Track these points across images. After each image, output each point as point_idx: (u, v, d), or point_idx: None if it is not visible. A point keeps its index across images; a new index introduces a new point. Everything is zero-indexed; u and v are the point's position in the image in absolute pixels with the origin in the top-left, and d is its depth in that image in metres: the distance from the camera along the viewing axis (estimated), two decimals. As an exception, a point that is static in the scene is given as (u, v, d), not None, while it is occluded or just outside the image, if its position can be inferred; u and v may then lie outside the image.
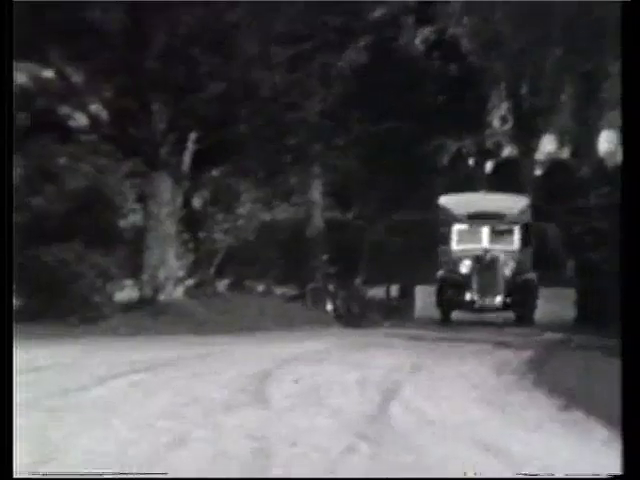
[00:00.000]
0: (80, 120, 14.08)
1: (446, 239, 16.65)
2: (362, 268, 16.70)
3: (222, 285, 14.77)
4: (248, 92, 13.47)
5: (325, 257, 16.21)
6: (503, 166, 23.00)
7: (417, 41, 19.22)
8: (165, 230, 13.47)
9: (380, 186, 17.43)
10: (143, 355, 9.78)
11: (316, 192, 16.61)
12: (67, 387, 7.88)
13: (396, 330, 13.54)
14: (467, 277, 16.02)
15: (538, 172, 23.43)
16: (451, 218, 16.82)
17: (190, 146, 13.93)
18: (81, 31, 13.19)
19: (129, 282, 13.21)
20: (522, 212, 17.02)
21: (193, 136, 13.90)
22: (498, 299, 16.06)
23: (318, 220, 16.53)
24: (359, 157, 13.95)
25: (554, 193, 21.06)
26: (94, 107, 13.76)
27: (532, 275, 16.44)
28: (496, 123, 22.28)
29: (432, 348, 10.94)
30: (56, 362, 9.21)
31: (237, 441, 6.20)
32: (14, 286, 11.84)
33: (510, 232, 16.67)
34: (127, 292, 13.19)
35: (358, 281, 16.20)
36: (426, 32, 19.41)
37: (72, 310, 11.85)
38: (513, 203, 17.40)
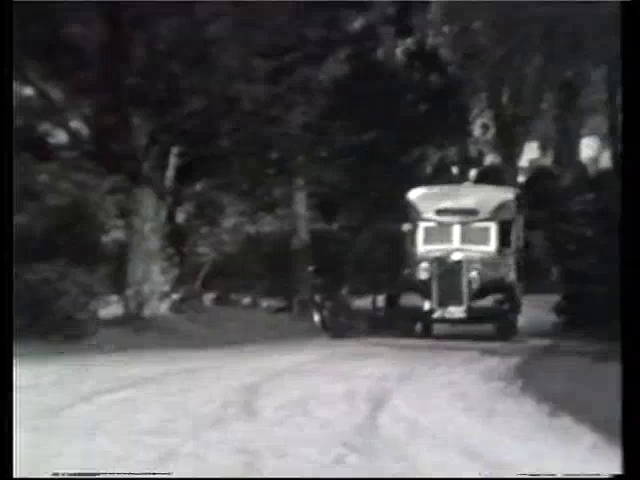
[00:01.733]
0: (60, 137, 14.02)
1: (412, 239, 14.38)
2: (348, 279, 16.56)
3: (208, 299, 14.71)
4: (229, 106, 13.48)
5: (311, 268, 16.14)
6: (486, 174, 23.11)
7: (397, 51, 19.31)
8: (149, 245, 13.42)
9: (364, 196, 17.45)
10: (129, 371, 9.70)
11: (300, 204, 16.62)
12: (51, 406, 7.79)
13: (383, 340, 13.51)
14: (426, 283, 13.76)
15: (521, 179, 23.55)
16: (417, 215, 14.48)
17: (172, 161, 13.90)
18: (60, 48, 13.16)
19: (114, 298, 13.13)
20: (500, 207, 14.51)
21: (175, 151, 13.88)
22: (461, 309, 13.66)
23: (303, 232, 16.53)
24: (342, 168, 13.99)
25: (537, 200, 21.17)
26: (74, 124, 13.71)
27: (511, 280, 14.19)
28: (478, 132, 22.41)
29: (419, 357, 10.92)
30: (40, 381, 9.12)
31: (226, 455, 6.15)
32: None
33: (485, 230, 14.19)
34: (112, 308, 13.10)
35: (344, 292, 16.18)
36: (406, 42, 19.52)
37: (56, 328, 11.75)
38: (491, 197, 14.96)
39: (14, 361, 7.23)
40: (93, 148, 13.71)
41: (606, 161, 23.90)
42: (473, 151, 22.71)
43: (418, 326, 14.03)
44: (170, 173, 13.89)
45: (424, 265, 13.82)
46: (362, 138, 16.28)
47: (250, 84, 13.42)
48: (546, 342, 12.78)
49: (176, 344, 12.13)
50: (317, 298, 15.32)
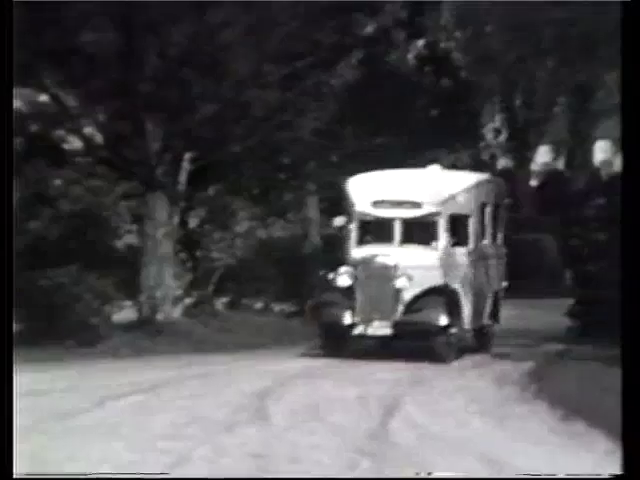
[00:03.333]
0: (75, 143, 14.13)
1: (346, 238, 11.59)
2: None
3: (220, 303, 14.75)
4: (242, 111, 13.53)
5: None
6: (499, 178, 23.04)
7: (409, 56, 19.33)
8: (162, 250, 13.48)
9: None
10: (142, 376, 9.76)
11: (312, 208, 16.64)
12: (66, 410, 7.85)
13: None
14: (347, 291, 11.06)
15: (534, 183, 23.50)
16: (350, 207, 11.61)
17: (185, 166, 13.97)
18: (74, 55, 13.26)
19: (127, 303, 13.20)
20: (452, 198, 11.48)
21: (188, 156, 13.95)
22: (387, 325, 10.88)
23: (315, 236, 16.56)
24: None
25: (550, 204, 21.11)
26: (88, 130, 13.81)
27: (459, 287, 11.21)
28: (490, 135, 22.38)
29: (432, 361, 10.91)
30: (55, 386, 9.19)
31: (239, 460, 6.18)
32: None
33: (432, 226, 11.25)
34: (125, 313, 13.17)
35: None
36: (418, 46, 19.54)
37: (70, 333, 11.83)
38: (442, 185, 11.72)
39: (29, 367, 7.30)
40: (107, 154, 13.81)
41: (620, 164, 23.74)
42: (485, 155, 22.69)
43: (331, 343, 11.22)
44: (183, 178, 13.96)
45: (344, 269, 11.12)
46: (374, 142, 16.30)
47: (262, 90, 13.48)
48: (559, 347, 12.74)
49: (189, 348, 12.19)
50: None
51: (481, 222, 12.00)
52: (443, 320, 10.95)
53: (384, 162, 13.49)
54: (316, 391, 8.97)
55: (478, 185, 12.25)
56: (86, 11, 12.89)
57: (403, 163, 13.06)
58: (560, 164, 24.76)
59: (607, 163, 24.46)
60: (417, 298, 11.04)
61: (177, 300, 13.69)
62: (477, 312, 11.77)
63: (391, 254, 11.16)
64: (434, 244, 11.37)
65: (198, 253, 14.30)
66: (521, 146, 22.22)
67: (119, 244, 13.17)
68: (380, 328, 11.00)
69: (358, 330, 11.05)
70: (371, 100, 17.18)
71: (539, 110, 21.93)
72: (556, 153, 24.91)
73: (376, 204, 11.51)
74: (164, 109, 13.37)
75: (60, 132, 14.16)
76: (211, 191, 14.47)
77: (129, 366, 10.74)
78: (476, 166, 21.16)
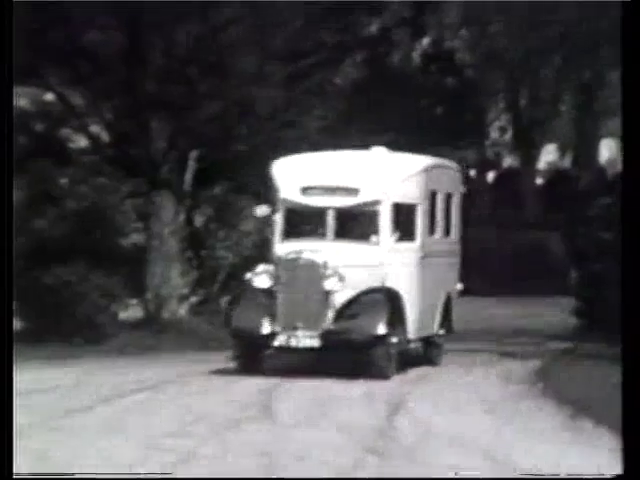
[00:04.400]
0: (80, 142, 14.15)
1: (271, 231, 9.96)
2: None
3: (226, 302, 14.76)
4: (246, 110, 13.54)
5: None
6: (504, 177, 23.05)
7: (414, 54, 19.32)
8: (168, 248, 13.50)
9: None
10: (148, 373, 9.77)
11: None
12: (72, 407, 7.87)
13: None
14: (267, 295, 9.35)
15: (539, 181, 23.47)
16: (276, 194, 9.85)
17: (191, 164, 13.99)
18: (80, 53, 13.30)
19: (133, 301, 13.21)
20: (396, 184, 9.73)
21: (194, 154, 13.97)
22: (313, 334, 9.11)
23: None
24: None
25: (556, 202, 21.08)
26: (94, 128, 13.84)
27: (403, 289, 9.40)
28: (496, 134, 22.34)
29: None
30: (61, 383, 9.20)
31: (245, 457, 6.19)
32: (17, 308, 11.87)
33: (372, 218, 9.52)
34: (131, 311, 13.19)
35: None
36: (423, 45, 19.52)
37: (76, 331, 11.85)
38: (384, 169, 9.94)
39: (35, 365, 7.30)
40: (112, 153, 13.83)
41: (625, 163, 23.64)
42: (491, 153, 22.65)
43: (246, 356, 9.41)
44: (188, 177, 13.97)
45: (263, 267, 9.42)
46: (378, 141, 16.27)
47: (267, 88, 13.48)
48: (565, 345, 12.73)
49: (195, 346, 12.19)
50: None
51: (431, 213, 10.11)
52: (382, 328, 9.05)
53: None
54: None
55: (428, 170, 10.19)
56: (92, 10, 12.92)
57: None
58: (566, 163, 24.73)
59: (613, 162, 24.41)
60: (351, 302, 9.23)
61: (183, 298, 13.70)
62: (425, 319, 9.91)
63: (321, 250, 9.28)
64: (374, 239, 9.53)
65: (204, 251, 14.30)
66: (527, 144, 22.18)
67: (125, 242, 13.18)
68: (305, 338, 9.13)
69: (279, 341, 9.16)
70: (376, 98, 17.18)
71: (544, 108, 21.89)
72: (562, 152, 24.89)
73: (305, 191, 9.65)
74: (169, 107, 13.39)
75: (66, 131, 14.18)
76: (217, 189, 14.47)
77: (135, 363, 10.75)
78: (482, 164, 21.12)
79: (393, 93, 17.78)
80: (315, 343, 9.18)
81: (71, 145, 14.16)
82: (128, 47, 13.31)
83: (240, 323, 9.38)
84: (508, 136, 22.31)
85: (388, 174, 9.91)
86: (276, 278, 9.39)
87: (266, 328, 9.27)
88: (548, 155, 24.80)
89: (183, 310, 13.66)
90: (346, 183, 9.69)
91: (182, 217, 13.96)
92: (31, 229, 12.39)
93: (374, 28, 16.45)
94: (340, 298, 9.31)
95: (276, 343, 9.27)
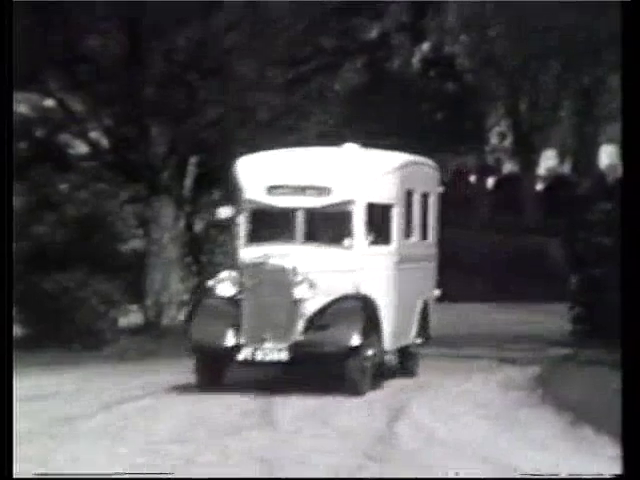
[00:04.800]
0: (80, 148, 14.17)
1: (235, 234, 9.14)
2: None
3: (185, 311, 14.68)
4: (247, 115, 13.56)
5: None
6: (504, 182, 23.07)
7: (414, 60, 19.34)
8: (168, 254, 13.50)
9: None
10: (148, 380, 9.76)
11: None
12: (72, 414, 7.86)
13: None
14: (231, 304, 8.61)
15: (540, 187, 23.49)
16: (240, 194, 9.12)
17: (191, 170, 14.00)
18: (80, 59, 13.31)
19: (133, 307, 13.21)
20: (370, 183, 9.05)
21: (193, 160, 13.98)
22: (282, 347, 8.41)
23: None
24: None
25: (556, 208, 21.09)
26: (94, 134, 13.85)
27: (380, 297, 8.73)
28: (495, 139, 22.36)
29: (437, 366, 10.91)
30: (61, 389, 9.19)
31: (244, 464, 6.18)
32: (17, 314, 11.86)
33: (344, 219, 8.84)
34: (131, 317, 13.19)
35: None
36: (423, 50, 19.55)
37: (76, 337, 11.86)
38: (358, 166, 9.28)
39: (34, 371, 7.29)
40: (112, 158, 13.84)
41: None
42: (491, 159, 22.66)
43: (207, 372, 8.64)
44: (188, 182, 13.98)
45: (226, 274, 8.68)
46: (378, 145, 16.28)
47: (267, 94, 13.50)
48: (564, 351, 12.72)
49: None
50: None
51: (407, 214, 9.43)
52: (356, 339, 8.33)
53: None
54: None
55: (403, 167, 9.47)
56: (92, 16, 12.94)
57: None
58: (566, 168, 24.74)
59: (613, 167, 24.43)
60: (323, 311, 8.49)
61: (183, 304, 13.69)
62: (401, 328, 9.22)
63: (290, 254, 8.57)
64: (347, 242, 8.85)
65: (204, 257, 14.30)
66: (526, 150, 22.20)
67: (125, 248, 13.17)
68: (273, 351, 8.38)
69: (244, 354, 8.37)
70: (376, 103, 17.19)
71: (544, 114, 21.92)
72: (562, 157, 24.91)
73: (272, 190, 8.90)
74: (169, 113, 13.40)
75: (66, 136, 14.19)
76: (216, 195, 14.46)
77: (134, 370, 10.74)
78: (482, 170, 21.11)
79: (393, 98, 17.80)
80: (283, 356, 8.41)
81: (71, 151, 14.17)
82: (128, 52, 13.33)
83: (201, 335, 8.54)
84: (508, 142, 22.32)
85: (362, 172, 9.18)
86: (240, 285, 8.59)
87: (230, 340, 8.45)
88: (548, 161, 24.82)
89: (183, 316, 13.66)
90: (316, 182, 8.92)
91: (182, 223, 13.96)
92: (31, 235, 12.39)
93: (374, 33, 16.48)
94: (311, 307, 8.53)
95: (240, 357, 8.44)
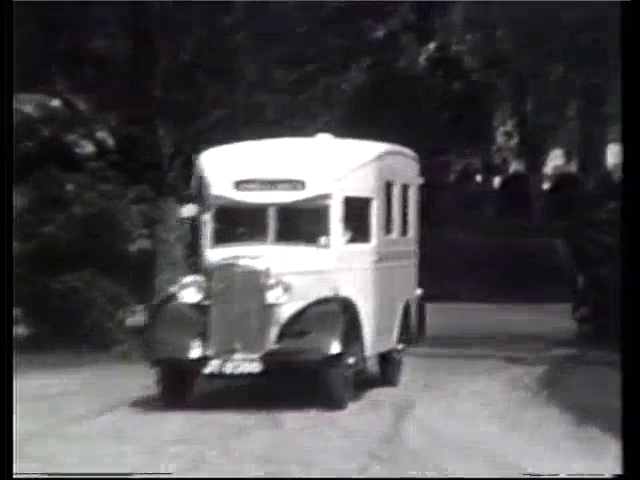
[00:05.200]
0: (87, 148, 14.21)
1: (201, 234, 8.36)
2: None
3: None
4: (253, 116, 13.58)
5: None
6: (511, 181, 23.04)
7: (420, 59, 19.33)
8: (174, 254, 13.53)
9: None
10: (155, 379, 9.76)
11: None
12: (79, 414, 7.88)
13: (405, 348, 13.49)
14: (197, 311, 7.88)
15: (546, 186, 23.45)
16: (205, 190, 8.39)
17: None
18: (87, 60, 13.36)
19: (140, 307, 13.24)
20: (348, 176, 8.29)
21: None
22: (254, 357, 7.67)
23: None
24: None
25: (562, 207, 21.06)
26: (101, 134, 13.89)
27: (362, 300, 8.04)
28: (502, 139, 22.33)
29: (443, 366, 10.91)
30: (68, 389, 9.22)
31: (249, 464, 6.20)
32: (24, 315, 11.92)
33: (320, 215, 8.12)
34: (138, 317, 13.22)
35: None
36: (429, 50, 19.54)
37: (83, 337, 11.89)
38: (334, 156, 8.54)
39: (42, 371, 7.32)
40: (119, 158, 13.87)
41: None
42: (497, 158, 22.63)
43: (172, 387, 7.91)
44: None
45: (191, 278, 7.97)
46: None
47: (273, 94, 13.52)
48: (570, 351, 12.70)
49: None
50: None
51: (387, 209, 8.68)
52: (336, 347, 7.58)
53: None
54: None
55: (382, 157, 8.71)
56: (99, 16, 12.98)
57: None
58: (573, 167, 24.70)
59: (619, 166, 24.36)
60: (298, 316, 7.74)
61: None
62: (383, 332, 8.53)
63: (262, 255, 7.86)
64: (323, 240, 8.11)
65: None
66: (533, 149, 22.16)
67: (132, 248, 13.20)
68: (244, 363, 7.59)
69: (212, 367, 7.60)
70: (382, 104, 17.19)
71: (551, 113, 21.88)
72: (568, 157, 24.86)
73: (240, 185, 8.12)
74: (176, 113, 13.43)
75: (72, 137, 14.24)
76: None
77: (142, 370, 10.77)
78: (488, 170, 21.04)
79: (399, 98, 17.80)
80: (256, 368, 7.60)
81: (78, 151, 14.21)
82: (135, 53, 13.37)
83: (162, 347, 7.76)
84: (514, 141, 22.29)
85: (338, 163, 8.36)
86: (207, 290, 7.79)
87: (195, 352, 7.66)
88: (554, 160, 24.78)
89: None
90: (289, 175, 8.14)
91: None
92: (38, 235, 12.44)
93: (380, 33, 16.48)
94: (285, 312, 7.74)
95: (208, 370, 7.63)
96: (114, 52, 13.48)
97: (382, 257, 8.60)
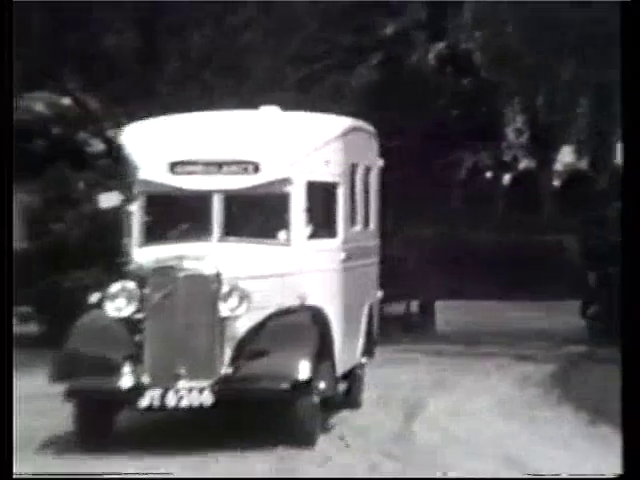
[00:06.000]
0: (97, 146, 14.22)
1: (126, 229, 6.90)
2: (380, 285, 16.35)
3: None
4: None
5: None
6: (521, 179, 22.96)
7: (430, 56, 19.28)
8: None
9: (396, 202, 17.41)
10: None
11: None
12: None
13: (416, 346, 13.48)
14: (129, 329, 6.36)
15: (556, 183, 23.35)
16: (132, 174, 6.84)
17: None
18: (97, 58, 13.37)
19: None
20: (310, 156, 6.83)
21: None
22: (204, 385, 6.14)
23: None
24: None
25: (572, 204, 20.97)
26: (110, 132, 13.91)
27: (323, 306, 6.54)
28: (512, 136, 22.26)
29: (454, 363, 10.88)
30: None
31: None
32: (35, 313, 11.94)
33: (278, 205, 6.70)
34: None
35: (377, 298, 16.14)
36: (439, 47, 19.48)
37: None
38: (292, 133, 7.02)
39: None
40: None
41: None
42: (507, 155, 22.56)
43: (93, 425, 6.26)
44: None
45: (119, 286, 6.38)
46: (393, 143, 16.20)
47: (282, 91, 13.50)
48: (580, 349, 12.64)
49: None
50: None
51: (352, 196, 7.19)
52: (305, 370, 5.99)
53: (405, 162, 13.22)
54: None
55: (348, 134, 7.19)
56: (108, 14, 12.99)
57: (425, 163, 12.59)
58: (583, 164, 24.60)
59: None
60: (258, 331, 6.17)
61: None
62: (349, 346, 7.10)
63: (208, 255, 6.26)
64: (283, 235, 6.57)
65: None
66: (543, 146, 22.08)
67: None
68: (191, 392, 5.96)
69: (149, 399, 5.93)
70: (391, 101, 17.14)
71: (561, 110, 21.78)
72: (579, 153, 24.76)
73: (177, 168, 6.53)
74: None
75: (83, 135, 14.26)
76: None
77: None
78: (498, 166, 20.96)
79: (408, 95, 17.74)
80: (207, 399, 5.93)
81: (88, 149, 14.24)
82: (144, 51, 13.37)
83: (81, 373, 6.06)
84: (525, 138, 22.21)
85: (298, 140, 6.76)
86: (140, 301, 6.17)
87: (126, 380, 5.98)
88: (565, 157, 24.69)
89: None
90: (239, 155, 6.54)
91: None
92: (49, 233, 12.46)
93: (389, 30, 16.44)
94: (242, 326, 6.12)
95: (144, 402, 5.94)
96: (124, 50, 13.48)
97: (349, 255, 7.06)
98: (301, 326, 6.32)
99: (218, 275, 6.25)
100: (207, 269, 6.26)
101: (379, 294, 8.21)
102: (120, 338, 6.26)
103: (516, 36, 20.65)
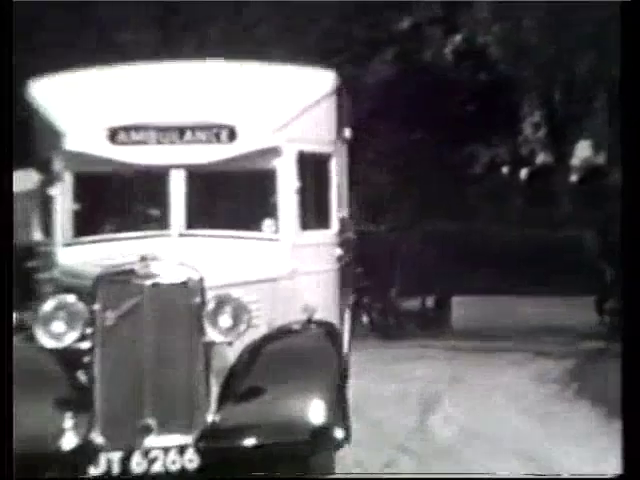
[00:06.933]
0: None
1: (45, 222, 4.85)
2: (396, 280, 16.38)
3: None
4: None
5: (358, 270, 15.38)
6: (538, 173, 22.85)
7: (446, 50, 19.20)
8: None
9: (412, 197, 17.37)
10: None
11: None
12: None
13: (432, 341, 13.45)
14: (70, 361, 4.23)
15: (574, 178, 23.20)
16: (55, 145, 4.74)
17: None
18: (111, 53, 13.41)
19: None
20: (301, 116, 4.99)
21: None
22: (185, 441, 4.13)
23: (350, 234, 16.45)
24: (389, 169, 13.86)
25: (590, 199, 20.84)
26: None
27: (331, 320, 4.83)
28: (529, 130, 22.15)
29: (470, 359, 10.83)
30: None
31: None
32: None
33: (259, 184, 4.85)
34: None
35: (393, 293, 16.13)
36: (455, 41, 19.40)
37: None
38: (276, 88, 5.11)
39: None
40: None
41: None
42: (524, 150, 22.46)
43: None
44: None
45: (54, 302, 4.33)
46: (410, 138, 16.17)
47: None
48: (598, 344, 12.55)
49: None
50: (365, 300, 15.32)
51: (341, 171, 5.71)
52: (320, 412, 4.33)
53: (421, 157, 13.16)
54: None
55: (340, 92, 5.59)
56: (123, 10, 13.02)
57: (441, 158, 12.50)
58: (601, 159, 24.44)
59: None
60: (251, 361, 4.49)
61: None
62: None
63: (163, 254, 4.45)
64: (268, 225, 4.95)
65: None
66: (560, 141, 21.96)
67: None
68: (167, 454, 4.25)
69: (104, 463, 4.19)
70: (407, 95, 17.09)
71: (579, 105, 21.64)
72: (596, 148, 24.60)
73: (119, 135, 4.80)
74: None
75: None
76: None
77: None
78: (515, 161, 20.89)
79: (424, 89, 17.69)
80: (191, 462, 4.20)
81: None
82: (160, 46, 13.40)
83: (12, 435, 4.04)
84: (542, 133, 22.10)
85: (284, 98, 5.05)
86: (88, 324, 4.30)
87: (69, 439, 4.17)
88: (583, 151, 24.54)
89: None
90: (208, 116, 4.80)
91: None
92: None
93: (405, 24, 16.38)
94: (233, 355, 4.41)
95: (97, 469, 4.14)
96: (139, 45, 13.52)
97: (346, 250, 5.66)
98: (313, 351, 4.52)
99: (201, 283, 4.31)
100: (182, 274, 4.30)
101: (352, 298, 6.56)
102: (57, 377, 4.31)
103: (534, 30, 20.53)
